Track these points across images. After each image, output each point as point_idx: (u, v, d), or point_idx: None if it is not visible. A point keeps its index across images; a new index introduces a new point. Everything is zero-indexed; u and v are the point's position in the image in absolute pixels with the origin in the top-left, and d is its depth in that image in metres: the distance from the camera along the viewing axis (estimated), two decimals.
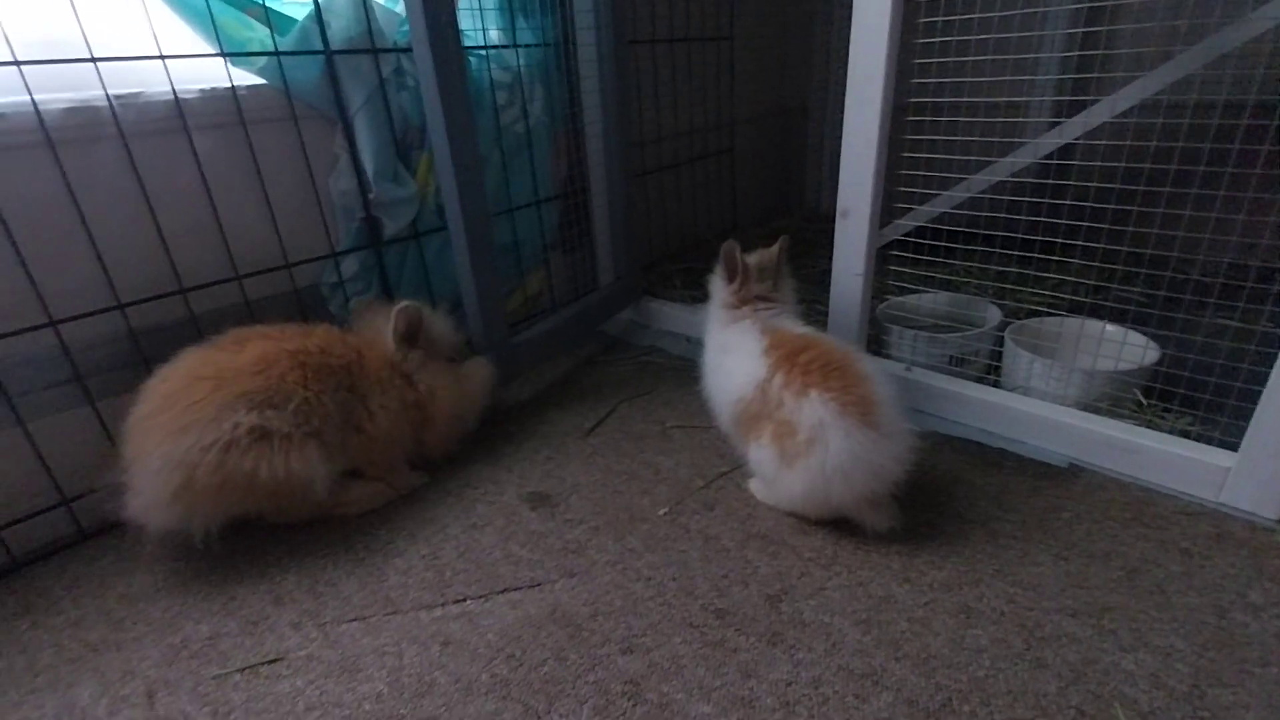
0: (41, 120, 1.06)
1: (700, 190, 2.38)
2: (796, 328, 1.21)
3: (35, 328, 1.10)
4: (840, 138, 1.31)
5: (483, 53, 1.55)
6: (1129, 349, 1.26)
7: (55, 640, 1.01)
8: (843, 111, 1.29)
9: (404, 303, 1.27)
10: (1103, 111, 1.16)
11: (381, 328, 1.29)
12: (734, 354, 1.20)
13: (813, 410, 1.05)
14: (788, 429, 1.07)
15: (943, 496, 1.21)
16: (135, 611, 1.06)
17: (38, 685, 0.94)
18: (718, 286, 1.30)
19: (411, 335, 1.29)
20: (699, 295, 1.38)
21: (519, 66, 1.62)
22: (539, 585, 1.07)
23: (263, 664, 0.95)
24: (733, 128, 2.44)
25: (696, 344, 1.39)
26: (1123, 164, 1.14)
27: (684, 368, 1.72)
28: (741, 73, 2.40)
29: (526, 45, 1.64)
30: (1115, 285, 1.22)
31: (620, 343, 1.92)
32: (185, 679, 0.93)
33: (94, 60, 1.09)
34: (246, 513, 1.14)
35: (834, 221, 1.39)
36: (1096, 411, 1.26)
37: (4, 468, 1.12)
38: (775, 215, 2.74)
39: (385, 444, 1.25)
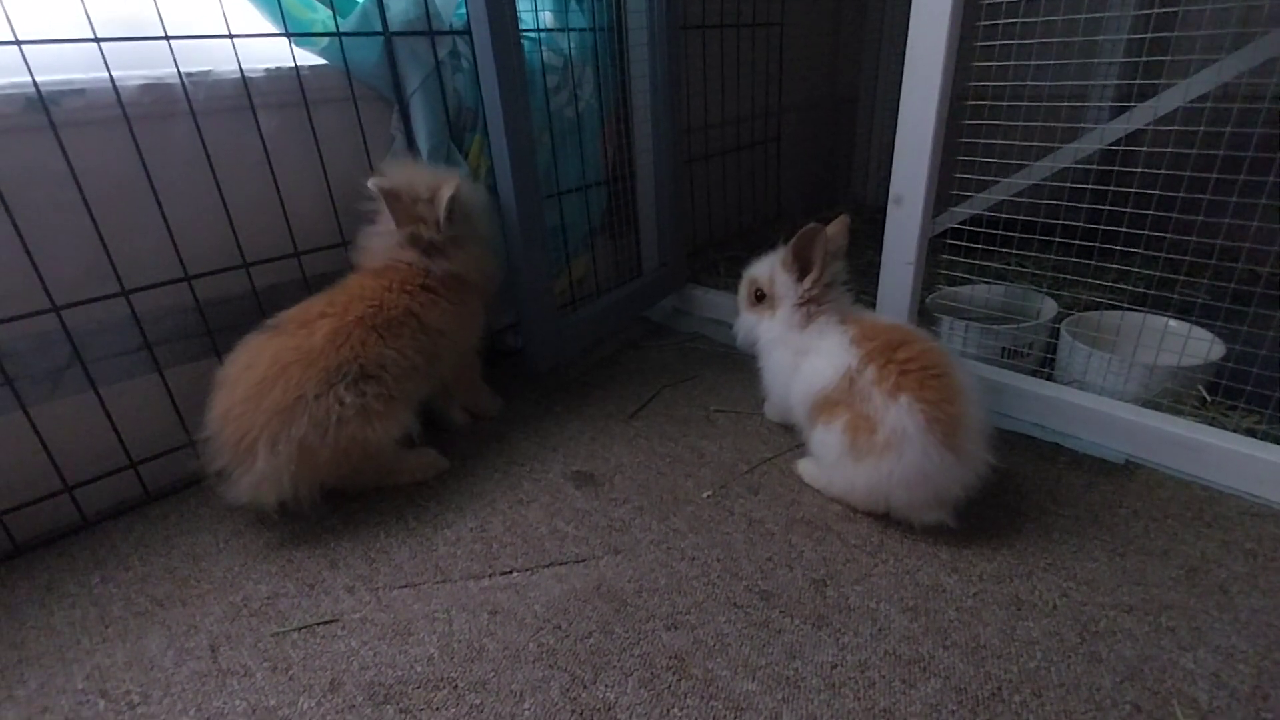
0: (119, 96, 1.10)
1: (746, 179, 2.37)
2: (881, 317, 1.18)
3: (108, 296, 1.15)
4: (890, 129, 1.29)
5: (535, 36, 1.56)
6: (1193, 343, 1.22)
7: (124, 595, 1.06)
8: (893, 103, 1.27)
9: (452, 186, 1.23)
10: (1175, 98, 1.12)
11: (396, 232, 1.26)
12: (814, 355, 1.15)
13: (899, 416, 1.02)
14: (866, 424, 1.05)
15: (993, 489, 1.18)
16: (199, 570, 1.10)
17: (109, 635, 0.99)
18: (784, 284, 1.21)
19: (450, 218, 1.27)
20: None
21: (570, 50, 1.63)
22: (584, 561, 1.08)
23: (319, 624, 0.98)
24: (780, 116, 2.42)
25: None
26: (1195, 150, 1.09)
27: (728, 354, 1.71)
28: (791, 60, 2.37)
29: (579, 29, 1.64)
30: (1182, 276, 1.18)
31: (664, 329, 1.93)
32: (246, 635, 0.97)
33: (167, 38, 1.12)
34: (336, 479, 1.19)
35: (881, 213, 1.37)
36: (1156, 408, 1.22)
37: (78, 431, 1.18)
38: (821, 206, 2.71)
39: (465, 352, 1.37)
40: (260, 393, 1.09)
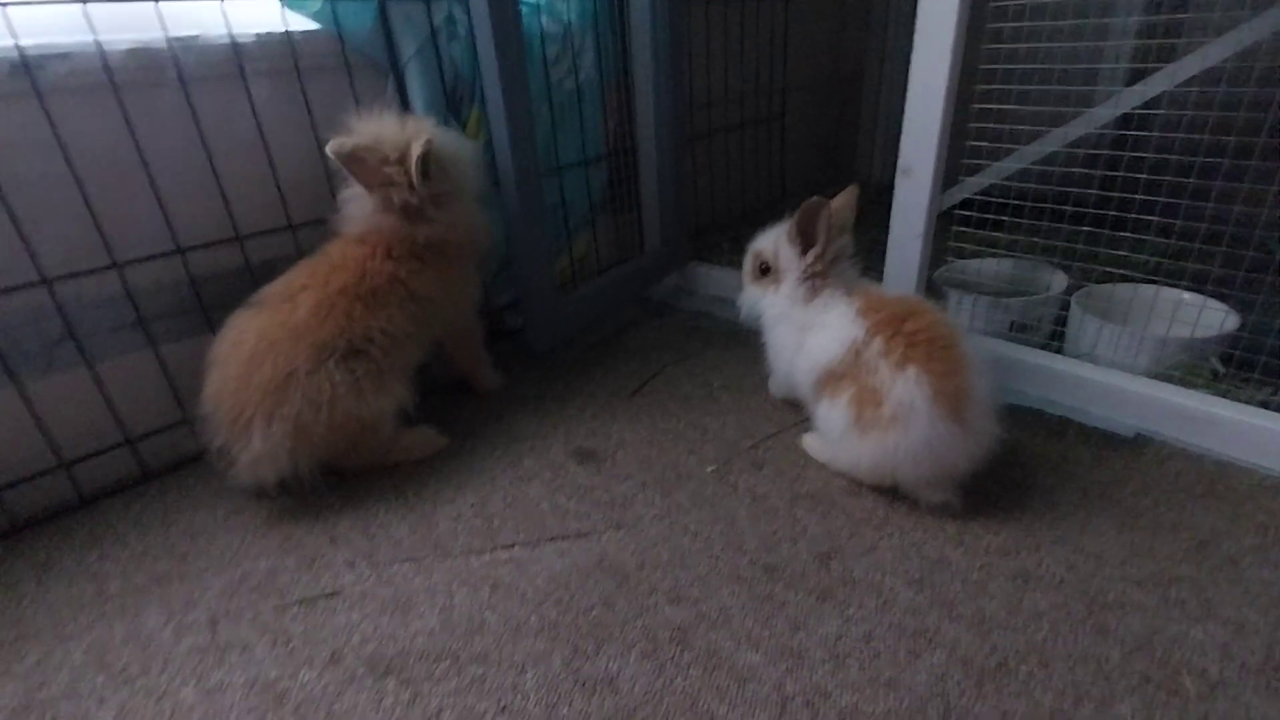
0: (105, 61, 1.07)
1: (749, 157, 2.33)
2: (888, 290, 1.16)
3: (99, 269, 1.13)
4: (898, 106, 1.26)
5: (534, 1, 1.52)
6: (1207, 315, 1.19)
7: (122, 571, 1.05)
8: (901, 79, 1.23)
9: (423, 144, 1.14)
10: (1193, 64, 1.09)
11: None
12: (820, 328, 1.13)
13: (906, 387, 1.00)
14: (872, 397, 1.03)
15: (1000, 464, 1.16)
16: (197, 546, 1.09)
17: (107, 611, 0.98)
18: (789, 258, 1.18)
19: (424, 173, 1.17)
20: None
21: (570, 17, 1.59)
22: (586, 536, 1.07)
23: (319, 598, 0.97)
24: (784, 93, 2.37)
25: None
26: (1212, 113, 1.06)
27: (732, 332, 1.69)
28: (796, 33, 2.32)
29: None
30: (1197, 246, 1.16)
31: (666, 307, 1.90)
32: (245, 610, 0.96)
33: (154, 0, 1.09)
34: (333, 455, 1.17)
35: (887, 193, 1.34)
36: (1168, 380, 1.20)
37: (73, 407, 1.16)
38: (825, 185, 2.65)
39: (462, 319, 1.34)
40: (250, 371, 1.08)
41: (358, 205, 1.23)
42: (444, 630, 0.91)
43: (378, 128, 1.18)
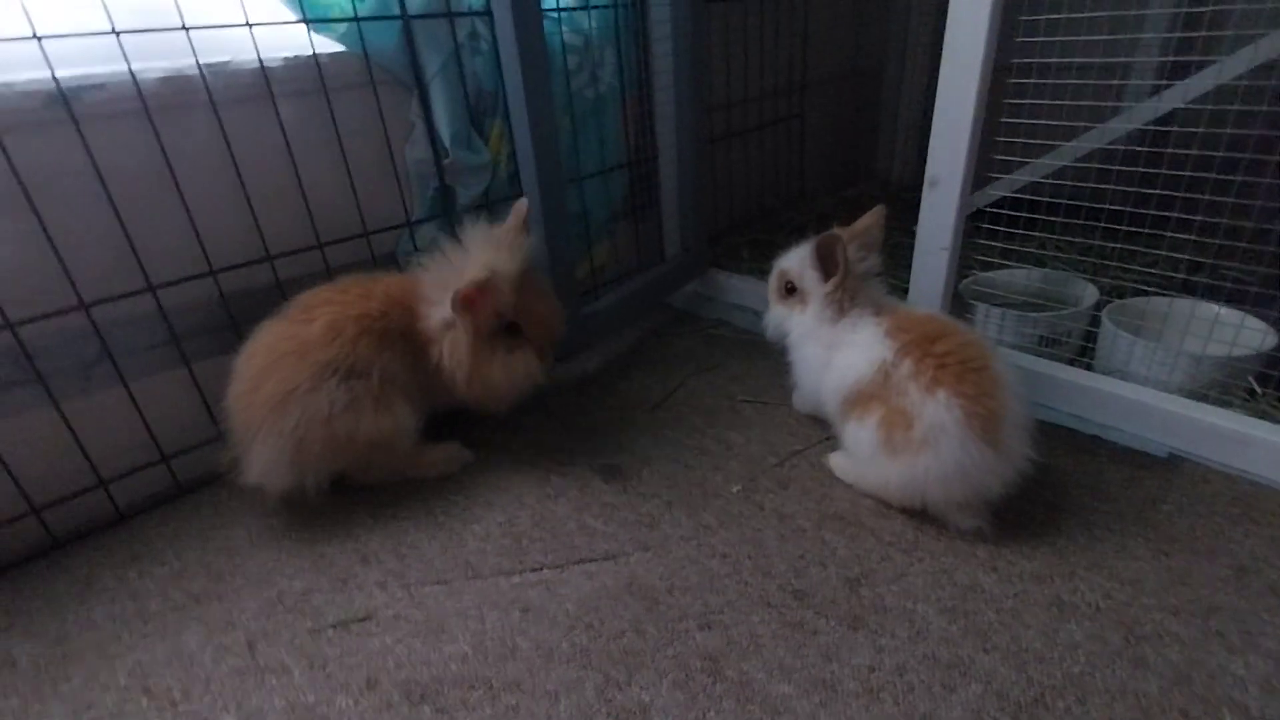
0: (139, 89, 1.08)
1: (769, 158, 2.31)
2: (916, 309, 1.15)
3: (135, 293, 1.15)
4: (917, 102, 1.24)
5: (555, 14, 1.52)
6: (1245, 333, 1.17)
7: (161, 590, 1.07)
8: (920, 74, 1.22)
9: (472, 278, 1.12)
10: (1241, 62, 1.05)
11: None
12: (847, 348, 1.13)
13: (936, 411, 0.99)
14: (902, 419, 1.03)
15: (1031, 484, 1.14)
16: (233, 564, 1.11)
17: (148, 631, 1.00)
18: (814, 279, 1.19)
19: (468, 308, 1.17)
20: (768, 269, 1.33)
21: (590, 29, 1.58)
22: (614, 557, 1.07)
23: (354, 621, 0.99)
24: (803, 91, 2.34)
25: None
26: (1256, 130, 1.04)
27: (752, 341, 1.68)
28: (816, 31, 2.29)
29: (599, 6, 1.59)
30: (1236, 264, 1.13)
31: (686, 315, 1.90)
32: (282, 631, 0.98)
33: (185, 29, 1.10)
34: (344, 469, 1.19)
35: (908, 192, 1.33)
36: (1203, 399, 1.18)
37: (110, 425, 1.18)
38: (845, 184, 2.63)
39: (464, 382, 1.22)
40: (258, 385, 1.10)
41: (437, 275, 1.20)
42: (476, 655, 0.92)
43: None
